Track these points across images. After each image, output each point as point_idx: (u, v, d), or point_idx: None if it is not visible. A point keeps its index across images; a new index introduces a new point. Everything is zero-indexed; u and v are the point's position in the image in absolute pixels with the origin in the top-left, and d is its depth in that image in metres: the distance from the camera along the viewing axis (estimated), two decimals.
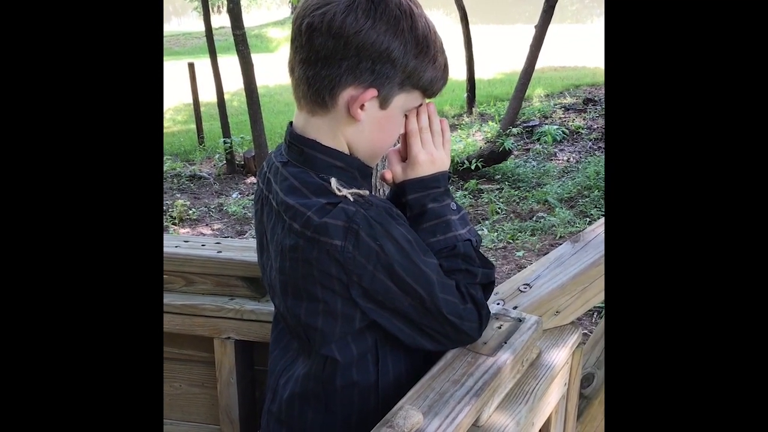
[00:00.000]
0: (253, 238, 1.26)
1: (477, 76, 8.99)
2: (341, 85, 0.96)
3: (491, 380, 1.00)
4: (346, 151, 1.02)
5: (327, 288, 0.97)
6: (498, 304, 1.25)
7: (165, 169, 7.10)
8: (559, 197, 5.67)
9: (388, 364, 1.05)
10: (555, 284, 1.30)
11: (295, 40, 0.99)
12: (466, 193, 5.98)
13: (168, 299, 1.46)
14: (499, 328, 1.12)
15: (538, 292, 1.29)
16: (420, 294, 0.98)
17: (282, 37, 16.76)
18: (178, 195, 6.51)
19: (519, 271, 2.01)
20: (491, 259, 1.40)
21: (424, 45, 0.97)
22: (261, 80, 7.52)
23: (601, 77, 9.76)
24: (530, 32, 7.53)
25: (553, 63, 11.24)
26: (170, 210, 5.90)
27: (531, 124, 7.85)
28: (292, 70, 1.01)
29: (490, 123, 7.97)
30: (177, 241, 1.53)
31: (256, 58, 6.72)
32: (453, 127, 7.88)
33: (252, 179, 6.83)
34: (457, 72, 8.63)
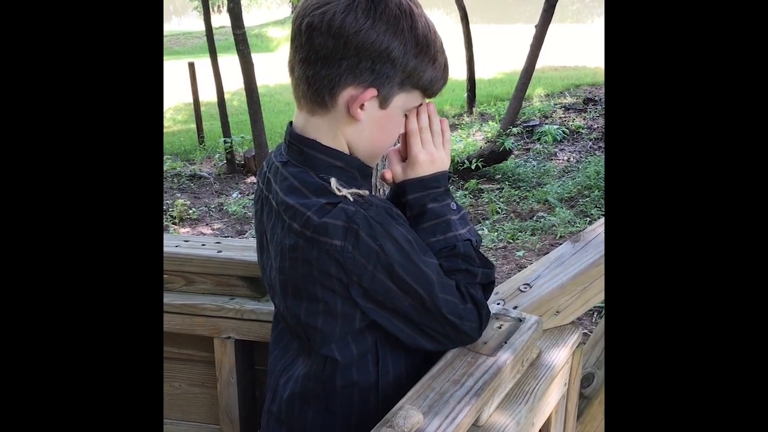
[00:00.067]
0: (253, 237, 1.26)
1: (477, 75, 8.98)
2: (341, 85, 0.96)
3: (491, 380, 1.00)
4: (346, 151, 1.02)
5: (327, 288, 0.97)
6: (498, 303, 1.25)
7: (165, 168, 7.10)
8: (559, 197, 5.67)
9: (388, 364, 1.05)
10: (555, 284, 1.30)
11: (294, 39, 0.99)
12: (466, 192, 5.98)
13: (168, 299, 1.46)
14: (500, 327, 1.12)
15: (538, 291, 1.29)
16: (420, 294, 0.98)
17: (282, 37, 16.75)
18: (179, 194, 6.51)
19: (519, 270, 2.01)
20: (491, 259, 1.40)
21: (424, 45, 0.97)
22: (261, 80, 7.52)
23: (601, 77, 9.76)
24: (530, 32, 7.52)
25: (554, 63, 11.24)
26: (170, 209, 5.90)
27: (531, 123, 7.85)
28: (291, 70, 1.01)
29: (490, 123, 7.97)
30: (177, 241, 1.53)
31: (256, 57, 6.72)
32: (453, 127, 7.88)
33: (252, 179, 6.83)
34: (457, 72, 8.63)
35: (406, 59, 0.96)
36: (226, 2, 6.70)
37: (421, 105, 1.05)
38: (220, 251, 1.47)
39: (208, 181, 6.96)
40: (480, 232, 4.31)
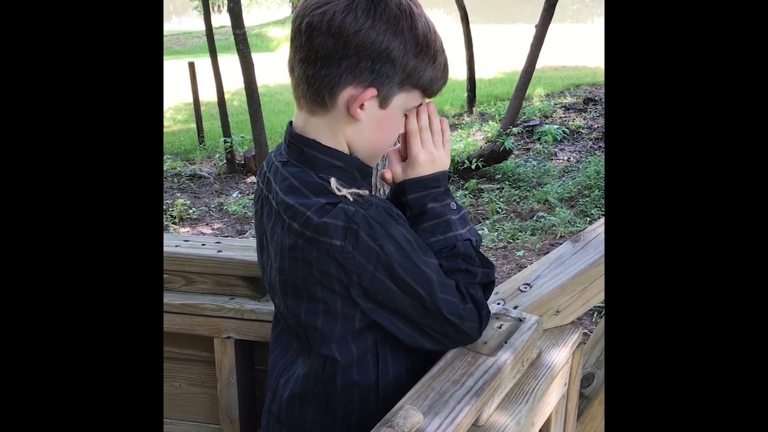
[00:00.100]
0: (253, 237, 1.26)
1: (477, 75, 8.98)
2: (341, 85, 0.96)
3: (491, 380, 1.00)
4: (346, 151, 1.02)
5: (327, 288, 0.97)
6: (498, 303, 1.25)
7: (165, 168, 7.10)
8: (559, 197, 5.67)
9: (388, 364, 1.05)
10: (555, 284, 1.30)
11: (294, 39, 0.99)
12: (466, 192, 5.98)
13: (168, 299, 1.46)
14: (500, 327, 1.12)
15: (538, 291, 1.29)
16: (420, 294, 0.98)
17: (282, 37, 16.75)
18: (179, 194, 6.51)
19: (519, 270, 2.01)
20: (491, 259, 1.40)
21: (424, 44, 0.97)
22: (261, 79, 7.52)
23: (601, 77, 9.75)
24: (531, 32, 7.52)
25: (554, 62, 11.23)
26: (170, 209, 5.90)
27: (531, 123, 7.85)
28: (291, 70, 1.01)
29: (490, 122, 7.96)
30: (177, 241, 1.53)
31: (256, 57, 6.72)
32: (453, 127, 7.88)
33: (252, 178, 6.83)
34: (457, 71, 8.62)
35: (406, 59, 0.96)
36: (226, 2, 6.70)
37: (421, 105, 1.05)
38: (220, 251, 1.47)
39: (208, 180, 6.96)
40: (480, 232, 4.31)
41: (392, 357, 1.05)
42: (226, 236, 5.18)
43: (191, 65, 7.97)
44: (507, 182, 6.17)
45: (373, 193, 1.01)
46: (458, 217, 1.07)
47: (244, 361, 1.50)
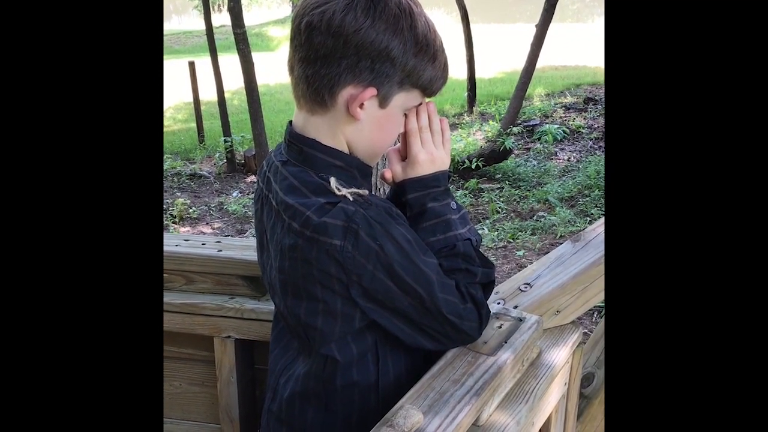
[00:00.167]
0: (253, 236, 1.26)
1: (477, 75, 8.98)
2: (340, 84, 0.96)
3: (491, 380, 1.00)
4: (346, 151, 1.02)
5: (327, 287, 0.97)
6: (498, 303, 1.25)
7: (165, 167, 7.10)
8: (559, 196, 5.67)
9: (389, 364, 1.05)
10: (555, 284, 1.30)
11: (294, 38, 0.99)
12: (466, 192, 5.98)
13: (168, 298, 1.46)
14: (500, 327, 1.12)
15: (538, 291, 1.29)
16: (420, 294, 0.97)
17: (282, 36, 16.75)
18: (179, 193, 6.51)
19: (519, 270, 2.01)
20: (491, 259, 1.40)
21: (424, 44, 0.97)
22: (261, 79, 7.52)
23: (601, 76, 9.75)
24: (531, 31, 7.51)
25: (554, 62, 11.23)
26: (170, 208, 5.90)
27: (531, 123, 7.84)
28: (291, 69, 1.01)
29: (490, 122, 7.96)
30: (177, 240, 1.53)
31: (256, 56, 6.72)
32: (453, 126, 7.87)
33: (252, 178, 6.83)
34: (457, 71, 8.62)
35: (406, 58, 0.96)
36: (226, 1, 6.70)
37: (420, 104, 1.05)
38: (220, 250, 1.47)
39: (209, 180, 6.96)
40: (480, 232, 4.32)
41: (392, 357, 1.05)
42: (226, 236, 5.19)
43: (191, 64, 7.97)
44: (507, 182, 6.17)
45: (373, 192, 1.01)
46: (458, 217, 1.07)
47: (244, 360, 1.50)
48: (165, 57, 9.92)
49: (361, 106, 0.98)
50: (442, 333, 1.03)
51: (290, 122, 1.06)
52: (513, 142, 6.85)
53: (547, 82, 10.00)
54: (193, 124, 8.31)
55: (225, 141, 7.14)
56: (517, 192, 5.92)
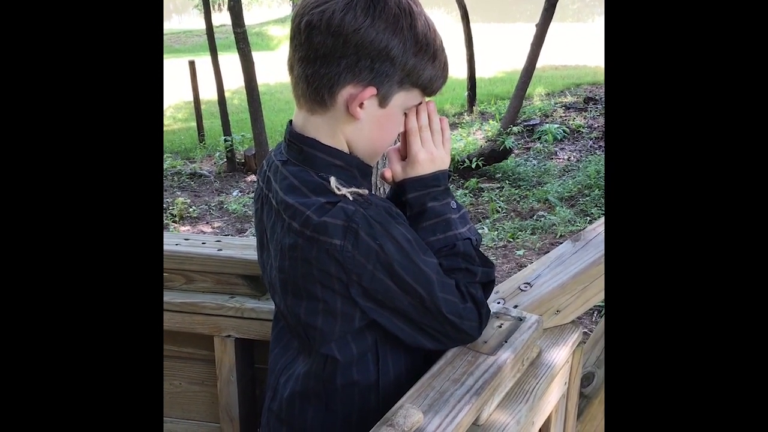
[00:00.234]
0: (253, 236, 1.26)
1: (478, 74, 8.98)
2: (340, 84, 0.96)
3: (491, 379, 1.00)
4: (346, 150, 1.02)
5: (326, 287, 0.97)
6: (498, 303, 1.25)
7: (165, 166, 7.10)
8: (559, 196, 5.67)
9: (389, 363, 1.05)
10: (555, 283, 1.30)
11: (294, 38, 0.99)
12: (466, 191, 5.98)
13: (168, 297, 1.46)
14: (500, 327, 1.12)
15: (538, 291, 1.29)
16: (420, 293, 0.97)
17: (283, 35, 16.74)
18: (179, 193, 6.51)
19: (519, 269, 2.01)
20: (491, 258, 1.40)
21: (424, 43, 0.97)
22: (262, 78, 7.52)
23: (602, 76, 9.74)
24: (531, 31, 7.52)
25: (554, 62, 11.23)
26: (170, 208, 5.90)
27: (532, 122, 7.84)
28: (291, 69, 1.01)
29: (490, 121, 7.96)
30: (177, 239, 1.53)
31: (256, 56, 6.72)
32: (453, 126, 7.87)
33: (252, 177, 6.83)
34: (457, 70, 8.62)
35: (406, 58, 0.96)
36: (226, 0, 6.70)
37: (420, 103, 1.05)
38: (221, 249, 1.47)
39: (209, 179, 6.96)
40: (480, 231, 4.31)
41: (392, 356, 1.05)
42: (226, 235, 5.19)
43: (191, 64, 7.97)
44: (507, 181, 6.17)
45: (372, 192, 1.01)
46: (458, 216, 1.07)
47: (244, 359, 1.50)
48: (165, 56, 9.92)
49: (361, 105, 0.98)
50: (442, 332, 1.03)
51: (290, 122, 1.06)
52: (513, 142, 6.86)
53: (547, 82, 10.00)
54: (193, 124, 8.31)
55: (225, 140, 7.14)
56: (517, 191, 5.92)
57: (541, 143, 7.28)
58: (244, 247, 1.48)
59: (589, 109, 8.50)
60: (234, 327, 1.45)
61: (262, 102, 6.64)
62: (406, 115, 1.05)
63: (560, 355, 1.21)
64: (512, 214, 5.43)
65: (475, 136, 7.46)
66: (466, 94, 8.82)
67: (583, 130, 7.65)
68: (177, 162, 7.36)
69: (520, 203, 5.66)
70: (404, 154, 1.09)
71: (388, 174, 1.09)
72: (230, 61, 8.58)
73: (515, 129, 7.56)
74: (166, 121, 9.22)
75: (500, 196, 5.83)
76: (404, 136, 1.07)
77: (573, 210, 5.34)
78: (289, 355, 1.13)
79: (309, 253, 0.95)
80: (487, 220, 5.28)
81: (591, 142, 7.29)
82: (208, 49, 7.37)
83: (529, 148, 7.22)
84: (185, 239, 1.54)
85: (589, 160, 6.56)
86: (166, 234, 1.59)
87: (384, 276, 0.95)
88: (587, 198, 5.57)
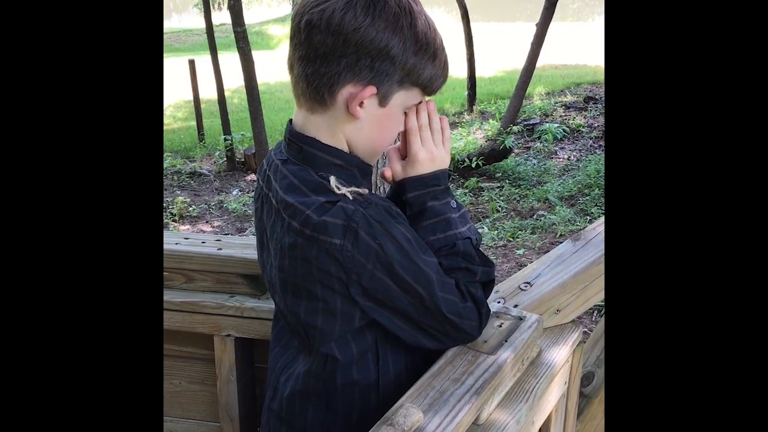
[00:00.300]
0: (253, 235, 1.26)
1: (478, 74, 8.98)
2: (340, 83, 0.96)
3: (491, 379, 1.00)
4: (346, 149, 1.02)
5: (326, 286, 0.97)
6: (498, 302, 1.25)
7: (165, 166, 7.10)
8: (559, 195, 5.67)
9: (389, 363, 1.05)
10: (556, 283, 1.30)
11: (294, 37, 0.98)
12: (466, 191, 5.98)
13: (168, 296, 1.46)
14: (500, 326, 1.12)
15: (538, 290, 1.29)
16: (419, 293, 0.97)
17: (283, 34, 16.74)
18: (179, 192, 6.51)
19: (519, 269, 2.01)
20: (491, 258, 1.40)
21: (424, 42, 0.97)
22: (261, 77, 7.52)
23: (602, 75, 9.74)
24: (531, 30, 7.52)
25: (554, 61, 11.23)
26: (170, 207, 5.90)
27: (532, 122, 7.84)
28: (291, 68, 1.01)
29: (490, 121, 7.96)
30: (177, 238, 1.53)
31: (256, 55, 6.72)
32: (453, 125, 7.87)
33: (252, 176, 6.83)
34: (457, 70, 8.62)
35: (406, 57, 0.96)
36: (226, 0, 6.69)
37: (420, 103, 1.05)
38: (220, 249, 1.47)
39: (208, 178, 6.96)
40: (480, 231, 4.31)
41: (392, 355, 1.05)
42: (226, 234, 5.19)
43: (191, 63, 7.97)
44: (507, 181, 6.17)
45: (372, 191, 1.01)
46: (458, 216, 1.06)
47: (244, 358, 1.50)
48: (165, 55, 9.92)
49: (361, 104, 0.97)
50: (442, 332, 1.03)
51: (290, 121, 1.06)
52: (513, 141, 6.86)
53: (547, 81, 10.00)
54: (193, 123, 8.31)
55: (225, 139, 7.14)
56: (517, 191, 5.92)
57: (541, 143, 7.28)
58: (244, 246, 1.48)
59: (589, 108, 8.50)
60: (234, 326, 1.45)
61: (261, 101, 6.64)
62: (406, 114, 1.05)
63: (560, 355, 1.21)
64: (512, 213, 5.43)
65: (475, 136, 7.46)
66: (466, 93, 8.82)
67: (583, 130, 7.65)
68: (177, 161, 7.36)
69: (520, 202, 5.66)
70: (404, 153, 1.09)
71: (388, 173, 1.09)
72: (230, 60, 8.58)
73: (515, 128, 7.56)
74: (166, 120, 9.22)
75: (500, 196, 5.83)
76: (404, 135, 1.07)
77: (573, 209, 5.34)
78: (289, 354, 1.13)
79: (309, 253, 0.95)
80: (487, 220, 5.28)
81: (591, 142, 7.29)
82: (208, 48, 7.37)
83: (529, 148, 7.22)
84: (185, 238, 1.54)
85: (589, 160, 6.56)
86: (166, 233, 1.59)
87: (384, 275, 0.95)
88: (587, 197, 5.57)
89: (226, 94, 7.41)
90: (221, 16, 16.81)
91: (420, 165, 1.06)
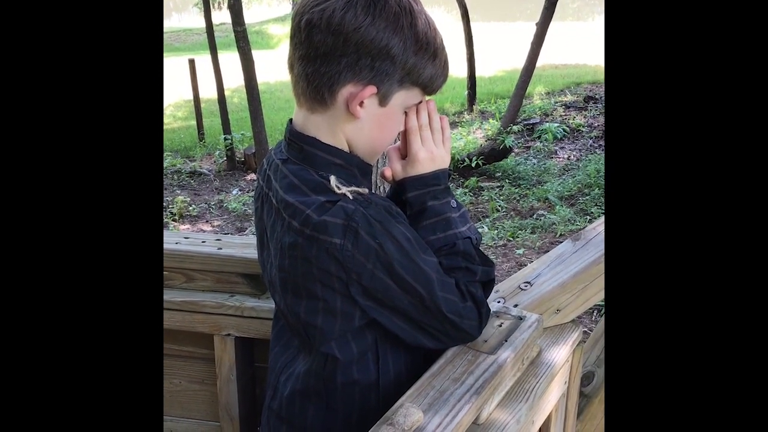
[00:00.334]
0: (253, 234, 1.26)
1: (478, 73, 8.98)
2: (340, 82, 0.96)
3: (491, 378, 1.00)
4: (346, 149, 1.02)
5: (326, 286, 0.97)
6: (498, 302, 1.25)
7: (165, 165, 7.10)
8: (559, 195, 5.67)
9: (389, 362, 1.05)
10: (556, 282, 1.30)
11: (294, 36, 0.98)
12: (466, 190, 5.98)
13: (168, 296, 1.46)
14: (500, 326, 1.12)
15: (538, 290, 1.29)
16: (419, 292, 0.97)
17: (283, 34, 16.74)
18: (179, 191, 6.51)
19: (519, 269, 2.01)
20: (491, 257, 1.40)
21: (424, 42, 0.97)
22: (261, 77, 7.51)
23: (602, 75, 9.74)
24: (531, 30, 7.52)
25: (554, 61, 11.23)
26: (170, 206, 5.90)
27: (532, 121, 7.84)
28: (291, 67, 1.01)
29: (490, 120, 7.96)
30: (177, 238, 1.53)
31: (256, 54, 6.72)
32: (454, 125, 7.87)
33: (252, 176, 6.83)
34: (457, 69, 8.62)
35: (406, 56, 0.96)
36: None
37: (420, 102, 1.05)
38: (221, 248, 1.47)
39: (208, 178, 6.96)
40: (480, 230, 4.31)
41: (392, 355, 1.05)
42: (226, 233, 5.19)
43: (191, 62, 7.96)
44: (507, 180, 6.17)
45: (372, 191, 1.01)
46: (458, 215, 1.07)
47: (244, 358, 1.50)
48: (165, 54, 9.92)
49: (361, 104, 0.97)
50: (442, 331, 1.03)
51: (290, 120, 1.06)
52: (513, 141, 6.86)
53: (547, 81, 10.00)
54: (193, 122, 8.31)
55: (225, 139, 7.14)
56: (517, 190, 5.92)
57: (541, 142, 7.28)
58: (244, 245, 1.48)
59: (589, 108, 8.50)
60: (234, 326, 1.45)
61: (262, 100, 6.64)
62: (406, 113, 1.05)
63: (560, 354, 1.21)
64: (512, 213, 5.43)
65: (475, 135, 7.46)
66: (466, 93, 8.82)
67: (583, 129, 7.65)
68: (177, 160, 7.36)
69: (520, 202, 5.66)
70: (404, 152, 1.09)
71: (388, 173, 1.09)
72: (230, 60, 8.58)
73: (515, 128, 7.56)
74: (166, 120, 9.22)
75: (500, 195, 5.83)
76: (404, 135, 1.07)
77: (573, 209, 5.34)
78: (289, 353, 1.13)
79: (309, 252, 0.95)
80: (487, 219, 5.28)
81: (591, 141, 7.29)
82: (208, 47, 7.37)
83: (529, 147, 7.22)
84: (185, 238, 1.54)
85: (589, 159, 6.56)
86: (166, 233, 1.59)
87: (384, 275, 0.95)
88: (587, 197, 5.57)
89: (226, 93, 7.41)
90: (221, 16, 16.80)
91: (420, 164, 1.06)
